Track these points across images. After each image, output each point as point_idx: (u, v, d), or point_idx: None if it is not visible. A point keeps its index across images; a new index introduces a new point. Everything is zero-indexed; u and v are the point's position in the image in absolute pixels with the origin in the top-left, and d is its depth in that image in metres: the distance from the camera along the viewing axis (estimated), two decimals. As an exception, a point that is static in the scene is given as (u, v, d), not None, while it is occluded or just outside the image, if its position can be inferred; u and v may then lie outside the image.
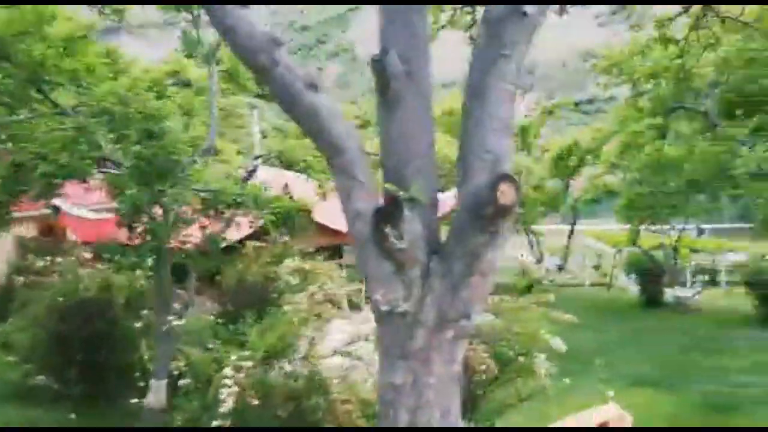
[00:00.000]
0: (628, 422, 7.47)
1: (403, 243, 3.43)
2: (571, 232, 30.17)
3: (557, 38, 70.14)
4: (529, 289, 18.41)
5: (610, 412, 7.44)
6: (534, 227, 28.88)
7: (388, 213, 3.46)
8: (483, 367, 7.17)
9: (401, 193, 3.46)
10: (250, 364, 6.88)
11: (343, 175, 3.66)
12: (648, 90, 16.60)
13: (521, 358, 7.74)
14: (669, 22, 11.18)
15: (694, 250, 26.37)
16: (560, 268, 30.09)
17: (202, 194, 9.72)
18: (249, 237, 13.49)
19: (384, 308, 3.54)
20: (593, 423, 7.13)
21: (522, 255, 25.60)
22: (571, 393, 8.77)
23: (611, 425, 7.23)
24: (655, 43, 13.08)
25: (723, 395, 12.27)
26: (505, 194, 3.23)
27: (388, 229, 3.42)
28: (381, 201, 3.59)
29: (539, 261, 29.05)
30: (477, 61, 3.61)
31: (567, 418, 7.26)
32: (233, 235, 11.71)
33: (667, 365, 14.32)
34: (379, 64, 3.55)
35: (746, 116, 14.63)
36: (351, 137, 3.68)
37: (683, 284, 23.23)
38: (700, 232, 29.03)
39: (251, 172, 15.63)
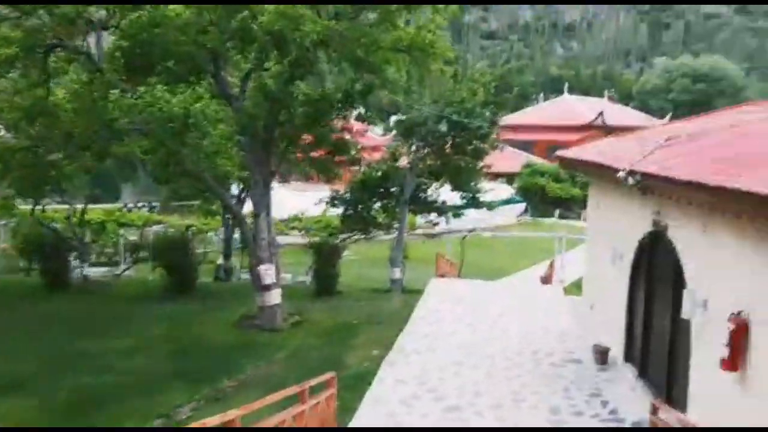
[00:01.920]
0: None
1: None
2: None
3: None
4: None
5: None
6: None
7: None
8: None
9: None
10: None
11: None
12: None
13: None
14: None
15: (123, 224, 25.24)
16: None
17: None
18: None
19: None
20: None
21: None
22: None
23: None
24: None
25: (100, 387, 11.05)
26: None
27: None
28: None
29: None
30: None
31: None
32: None
33: (48, 360, 12.33)
34: None
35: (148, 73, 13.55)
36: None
37: (99, 261, 21.86)
38: (151, 208, 28.22)
39: None
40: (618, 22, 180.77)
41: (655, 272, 10.04)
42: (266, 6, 11.90)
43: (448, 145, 19.04)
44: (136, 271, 21.82)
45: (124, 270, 22.01)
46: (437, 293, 17.32)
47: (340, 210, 22.20)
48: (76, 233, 18.31)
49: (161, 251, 17.90)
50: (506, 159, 49.42)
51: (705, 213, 7.65)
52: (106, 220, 24.34)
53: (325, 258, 17.80)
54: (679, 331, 8.70)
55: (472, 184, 20.09)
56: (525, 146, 55.19)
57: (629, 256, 10.90)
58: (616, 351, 11.32)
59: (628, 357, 10.94)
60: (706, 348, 7.66)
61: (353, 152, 15.39)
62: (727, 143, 8.86)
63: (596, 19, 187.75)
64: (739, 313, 6.79)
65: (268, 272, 14.39)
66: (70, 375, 11.69)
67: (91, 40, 14.22)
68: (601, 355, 11.34)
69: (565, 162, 14.13)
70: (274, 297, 14.65)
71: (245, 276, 22.56)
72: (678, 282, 8.68)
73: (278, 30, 11.88)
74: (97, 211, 26.03)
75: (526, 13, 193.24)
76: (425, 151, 19.92)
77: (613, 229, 12.12)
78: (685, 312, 8.00)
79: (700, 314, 7.81)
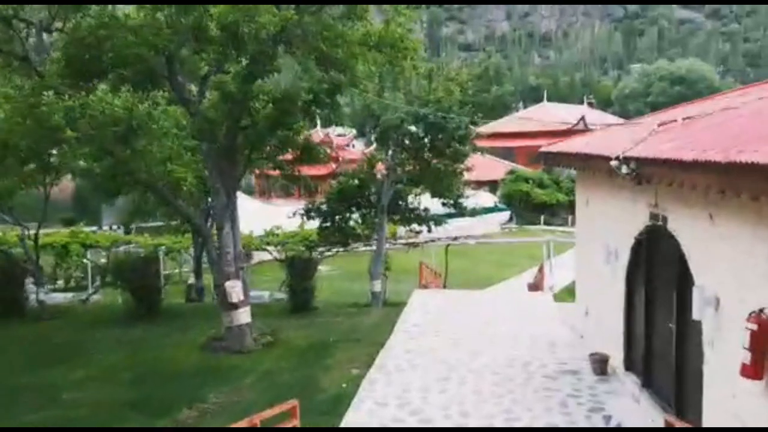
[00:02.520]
0: None
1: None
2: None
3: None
4: None
5: None
6: None
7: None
8: None
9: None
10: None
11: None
12: None
13: None
14: None
15: (89, 246, 24.02)
16: None
17: None
18: None
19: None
20: None
21: None
22: None
23: None
24: None
25: (43, 423, 9.83)
26: None
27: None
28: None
29: None
30: None
31: None
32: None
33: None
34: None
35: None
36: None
37: (68, 287, 20.58)
38: (127, 230, 26.93)
39: None
40: (593, 31, 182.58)
41: (655, 270, 9.09)
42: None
43: (426, 149, 18.05)
44: (105, 295, 20.59)
45: (91, 294, 20.78)
46: (420, 305, 16.28)
47: (318, 222, 21.12)
48: (29, 256, 17.04)
49: (123, 273, 16.69)
50: (488, 167, 48.84)
51: (712, 200, 6.72)
52: (70, 242, 23.08)
53: (299, 273, 16.69)
54: (688, 334, 7.74)
55: (453, 189, 19.10)
56: (506, 154, 54.56)
57: (624, 255, 9.96)
58: (616, 359, 10.34)
59: (629, 365, 9.96)
60: (721, 352, 6.70)
61: (321, 155, 14.32)
62: (727, 123, 7.94)
63: (571, 28, 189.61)
64: (761, 311, 5.84)
65: (234, 289, 13.26)
66: (12, 411, 10.48)
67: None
68: (600, 365, 10.35)
69: (550, 158, 13.22)
70: (243, 316, 13.51)
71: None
72: (683, 279, 7.73)
73: (232, 23, 10.89)
74: (61, 233, 24.80)
75: (502, 24, 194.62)
76: (402, 156, 18.95)
77: (604, 226, 11.19)
78: (695, 312, 7.04)
79: (712, 315, 6.85)
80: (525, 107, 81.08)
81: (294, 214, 20.79)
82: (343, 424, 8.88)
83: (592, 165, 10.45)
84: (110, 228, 32.39)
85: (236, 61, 12.16)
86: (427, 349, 12.26)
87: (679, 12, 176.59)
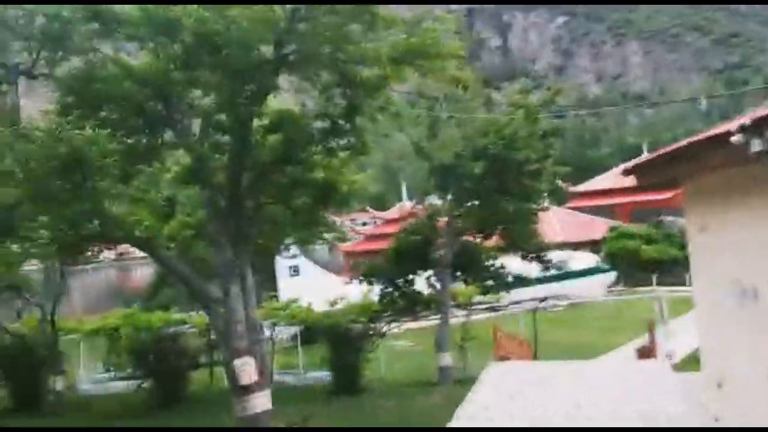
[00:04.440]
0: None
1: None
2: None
3: None
4: None
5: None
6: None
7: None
8: None
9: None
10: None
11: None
12: None
13: None
14: None
15: (139, 329, 22.25)
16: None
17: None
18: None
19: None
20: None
21: None
22: None
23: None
24: None
25: None
26: None
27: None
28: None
29: None
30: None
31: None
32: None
33: None
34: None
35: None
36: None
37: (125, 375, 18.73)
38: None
39: None
40: (690, 86, 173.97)
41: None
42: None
43: (492, 190, 14.95)
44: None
45: (140, 384, 18.67)
46: (495, 382, 12.79)
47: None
48: (47, 341, 15.23)
49: (140, 356, 14.48)
50: (586, 226, 44.52)
51: None
52: (121, 325, 21.39)
53: (342, 347, 13.77)
54: None
55: (528, 237, 15.76)
56: (604, 212, 49.93)
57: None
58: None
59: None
60: None
61: (345, 192, 11.54)
62: None
63: (668, 86, 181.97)
64: None
65: (245, 369, 10.50)
66: None
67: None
68: (751, 466, 6.59)
69: (645, 171, 9.87)
70: (259, 402, 10.66)
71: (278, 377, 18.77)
72: None
73: (209, 31, 8.71)
74: (116, 314, 23.31)
75: (593, 87, 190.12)
76: (468, 203, 15.94)
77: (731, 255, 7.63)
78: None
79: None
80: (625, 165, 76.02)
81: (351, 279, 18.10)
82: None
83: (704, 163, 7.10)
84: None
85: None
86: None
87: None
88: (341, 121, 10.37)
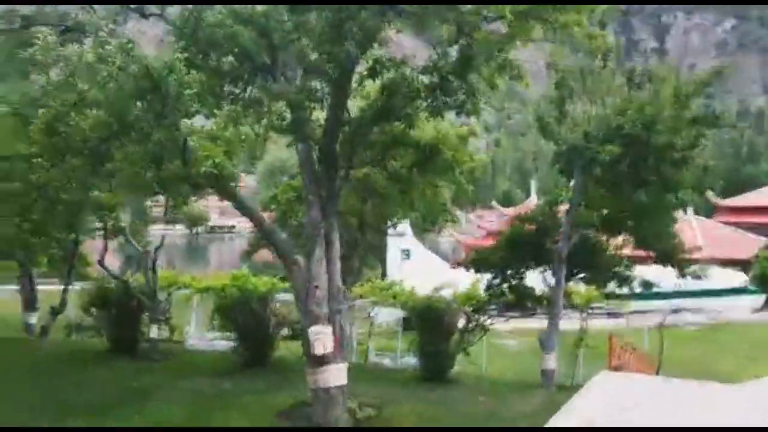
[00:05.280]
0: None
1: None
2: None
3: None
4: None
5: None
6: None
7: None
8: None
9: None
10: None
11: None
12: None
13: None
14: None
15: (245, 291, 22.46)
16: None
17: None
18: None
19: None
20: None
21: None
22: None
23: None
24: None
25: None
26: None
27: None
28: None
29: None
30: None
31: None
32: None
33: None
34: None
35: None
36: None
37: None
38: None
39: None
40: None
41: None
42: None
43: (625, 178, 13.03)
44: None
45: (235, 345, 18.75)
46: (603, 393, 11.08)
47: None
48: (151, 287, 15.38)
49: (230, 317, 14.21)
50: (737, 243, 40.00)
51: None
52: (227, 286, 21.64)
53: (433, 332, 12.64)
54: None
55: (666, 237, 13.66)
56: (757, 231, 44.71)
57: None
58: None
59: None
60: None
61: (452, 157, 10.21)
62: None
63: None
64: None
65: (320, 337, 9.69)
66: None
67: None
68: None
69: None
70: (333, 376, 9.83)
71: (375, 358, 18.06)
72: None
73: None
74: (226, 275, 23.70)
75: (759, 99, 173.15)
76: (596, 190, 14.11)
77: None
78: None
79: None
80: (787, 187, 67.56)
81: (455, 264, 16.88)
82: None
83: None
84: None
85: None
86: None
87: None
88: (452, 77, 9.19)
